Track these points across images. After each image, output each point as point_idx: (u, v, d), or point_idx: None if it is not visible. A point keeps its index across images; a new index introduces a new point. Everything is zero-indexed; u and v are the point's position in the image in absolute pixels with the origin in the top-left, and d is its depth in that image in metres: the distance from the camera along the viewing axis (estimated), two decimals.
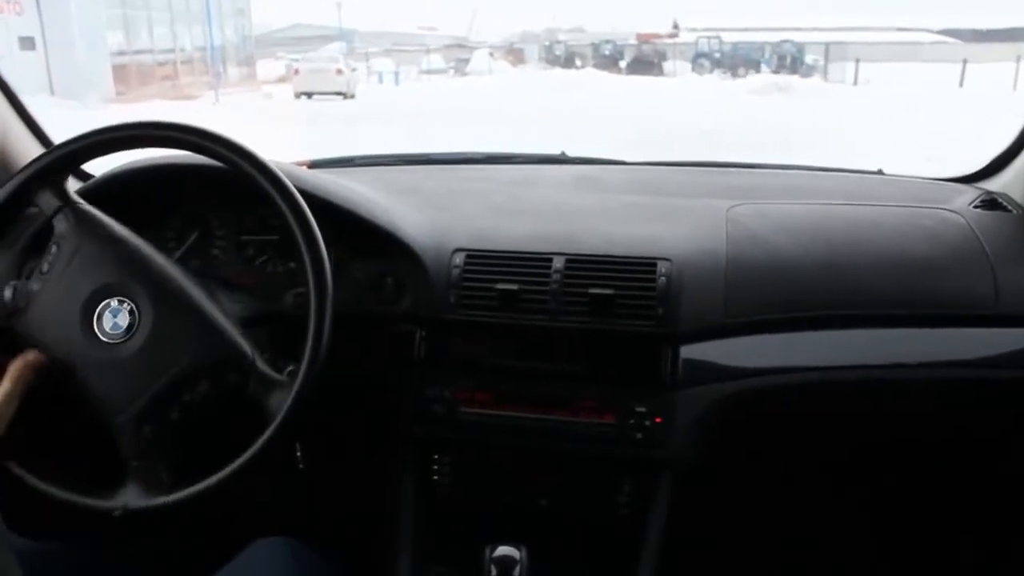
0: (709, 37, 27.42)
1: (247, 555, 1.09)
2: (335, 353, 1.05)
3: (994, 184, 1.58)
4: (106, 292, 1.04)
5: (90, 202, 1.14)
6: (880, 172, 1.72)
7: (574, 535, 1.34)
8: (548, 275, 1.27)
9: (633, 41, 30.41)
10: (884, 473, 1.62)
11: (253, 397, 1.04)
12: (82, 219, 1.08)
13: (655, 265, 1.27)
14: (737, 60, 26.12)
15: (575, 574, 1.31)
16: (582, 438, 1.27)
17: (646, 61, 26.93)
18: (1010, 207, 1.46)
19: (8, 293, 1.07)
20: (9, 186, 1.07)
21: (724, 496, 1.57)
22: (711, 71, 25.66)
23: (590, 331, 1.26)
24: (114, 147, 1.11)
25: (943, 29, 32.82)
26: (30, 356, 1.03)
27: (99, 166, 1.26)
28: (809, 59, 25.59)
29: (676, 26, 34.39)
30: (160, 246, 1.12)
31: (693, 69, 26.15)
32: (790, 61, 25.50)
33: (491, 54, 30.72)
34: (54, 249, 1.07)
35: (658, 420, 1.25)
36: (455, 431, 1.30)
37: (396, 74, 22.14)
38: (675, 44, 30.16)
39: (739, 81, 21.94)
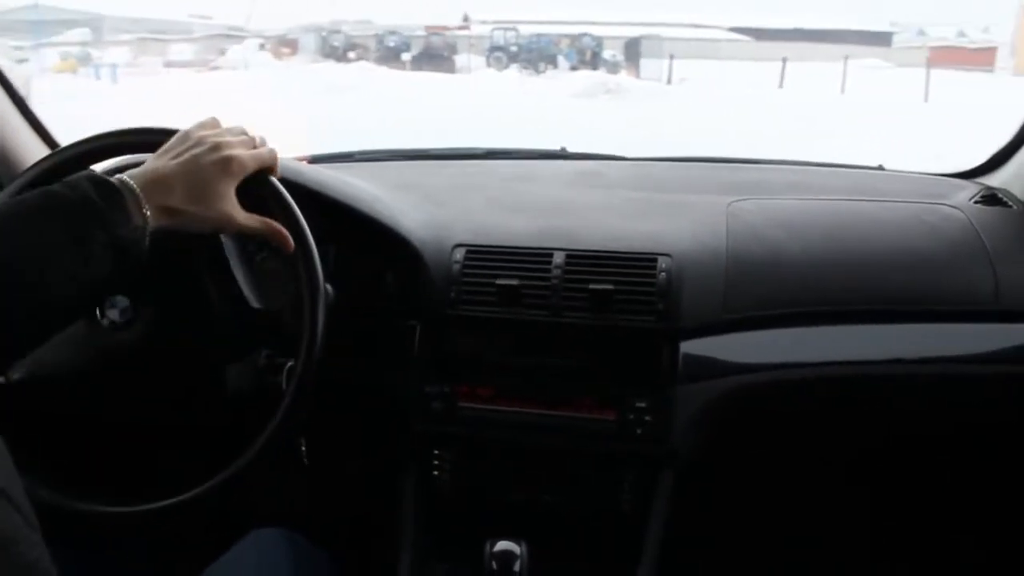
0: (505, 29, 25.38)
1: (244, 544, 1.08)
2: (335, 349, 1.04)
3: (995, 179, 1.59)
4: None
5: None
6: (881, 168, 1.72)
7: (575, 531, 1.33)
8: (548, 271, 1.27)
9: (422, 33, 27.63)
10: (884, 469, 1.62)
11: (255, 390, 1.05)
12: None
13: (655, 261, 1.27)
14: (535, 54, 24.14)
15: (576, 569, 1.30)
16: (582, 434, 1.27)
17: (435, 55, 24.36)
18: (1010, 203, 1.46)
19: None
20: (13, 187, 1.06)
21: (725, 492, 1.58)
22: (507, 66, 23.10)
23: (590, 327, 1.25)
24: (120, 151, 1.11)
25: (733, 27, 33.20)
26: None
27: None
28: (607, 54, 24.11)
29: (467, 18, 32.88)
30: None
31: (489, 64, 23.79)
32: (590, 56, 23.87)
33: (262, 45, 26.65)
34: None
35: (658, 415, 1.24)
36: (455, 427, 1.30)
37: (114, 68, 17.82)
38: (467, 37, 28.07)
39: (545, 79, 19.46)
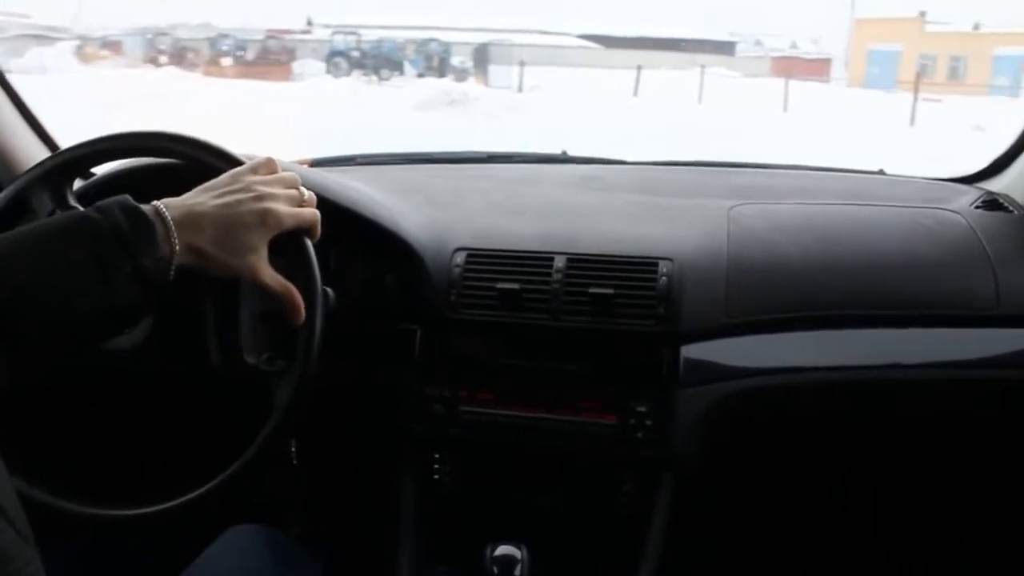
0: (346, 33, 23.76)
1: (223, 542, 1.07)
2: (335, 352, 1.04)
3: (995, 184, 1.59)
4: None
5: (87, 204, 1.11)
6: (882, 172, 1.72)
7: (575, 534, 1.33)
8: (549, 274, 1.27)
9: (259, 37, 25.72)
10: (885, 473, 1.62)
11: (254, 393, 1.04)
12: None
13: (656, 265, 1.27)
14: (379, 60, 22.56)
15: (576, 573, 1.30)
16: (583, 437, 1.27)
17: (270, 59, 22.34)
18: (1011, 207, 1.47)
19: None
20: (10, 190, 1.07)
21: (725, 496, 1.58)
22: (349, 72, 21.59)
23: (591, 331, 1.25)
24: (120, 155, 1.12)
25: (582, 35, 33.06)
26: None
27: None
28: (456, 60, 23.10)
29: (310, 22, 31.05)
30: None
31: (328, 70, 22.07)
32: (437, 62, 22.78)
33: (79, 47, 23.80)
34: None
35: (659, 419, 1.24)
36: (456, 430, 1.30)
37: None
38: (307, 41, 26.03)
39: (388, 87, 18.15)
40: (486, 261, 1.31)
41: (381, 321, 1.31)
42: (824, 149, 8.63)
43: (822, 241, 1.36)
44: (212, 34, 25.83)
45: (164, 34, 25.11)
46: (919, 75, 17.20)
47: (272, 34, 25.68)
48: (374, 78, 20.91)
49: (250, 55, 22.90)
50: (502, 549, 1.17)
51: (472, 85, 18.55)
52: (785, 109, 15.34)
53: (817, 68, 27.71)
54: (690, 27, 35.37)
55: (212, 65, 20.78)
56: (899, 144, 9.83)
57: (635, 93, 17.58)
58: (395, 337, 1.30)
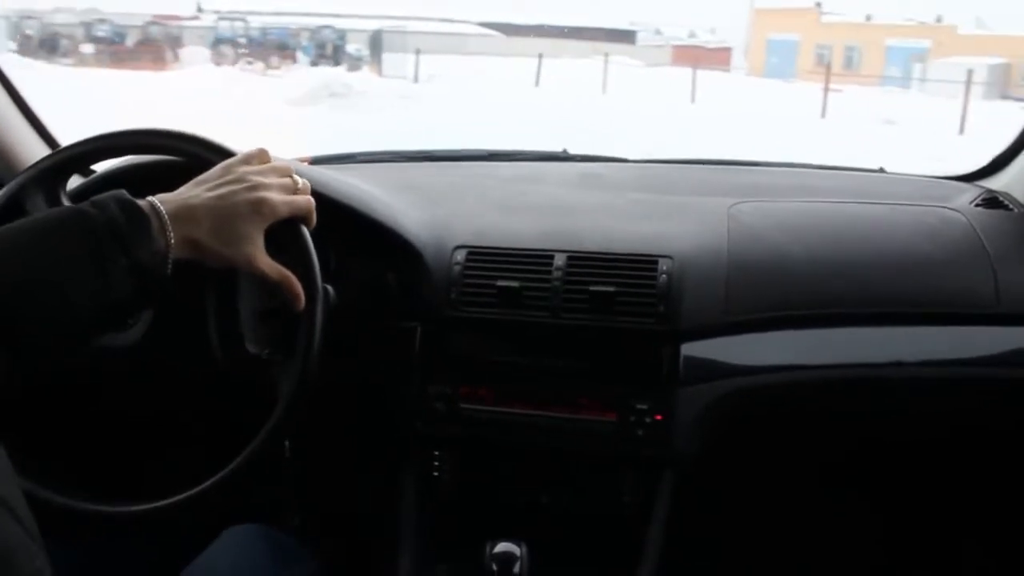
0: (232, 19, 22.22)
1: (223, 541, 1.08)
2: (335, 350, 1.04)
3: (996, 183, 1.59)
4: None
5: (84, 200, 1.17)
6: (882, 170, 1.72)
7: (575, 532, 1.33)
8: (549, 272, 1.27)
9: (139, 23, 23.96)
10: (885, 472, 1.62)
11: (256, 386, 1.04)
12: None
13: (656, 262, 1.27)
14: (268, 48, 21.19)
15: (576, 571, 1.30)
16: (583, 435, 1.27)
17: (151, 47, 20.53)
18: (1011, 206, 1.46)
19: None
20: (9, 188, 1.06)
21: (726, 494, 1.58)
22: (235, 61, 20.30)
23: (591, 328, 1.25)
24: (120, 152, 1.11)
25: (483, 22, 32.66)
26: None
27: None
28: (352, 48, 21.96)
29: (200, 8, 29.34)
30: None
31: (212, 58, 20.58)
32: (331, 50, 21.58)
33: None
34: None
35: (659, 417, 1.24)
36: (456, 428, 1.30)
37: None
38: (194, 28, 24.37)
39: (273, 77, 16.99)
40: (486, 259, 1.30)
41: (381, 319, 1.30)
42: (739, 143, 8.23)
43: (822, 239, 1.36)
44: (91, 19, 23.96)
45: (30, 17, 23.06)
46: (829, 67, 17.13)
47: (156, 20, 23.98)
48: (261, 66, 19.79)
49: (129, 42, 21.03)
50: (502, 546, 1.17)
51: (365, 75, 17.76)
52: (693, 100, 14.98)
53: (718, 57, 27.74)
54: (590, 16, 35.07)
55: (79, 53, 19.15)
56: (815, 137, 9.54)
57: (537, 83, 17.00)
58: (395, 335, 1.30)
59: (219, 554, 1.06)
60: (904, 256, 1.32)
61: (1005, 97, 12.41)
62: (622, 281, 1.25)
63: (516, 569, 1.15)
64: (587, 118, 10.62)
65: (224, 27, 21.94)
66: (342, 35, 22.28)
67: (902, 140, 10.17)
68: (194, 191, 0.91)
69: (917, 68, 23.15)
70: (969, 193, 1.52)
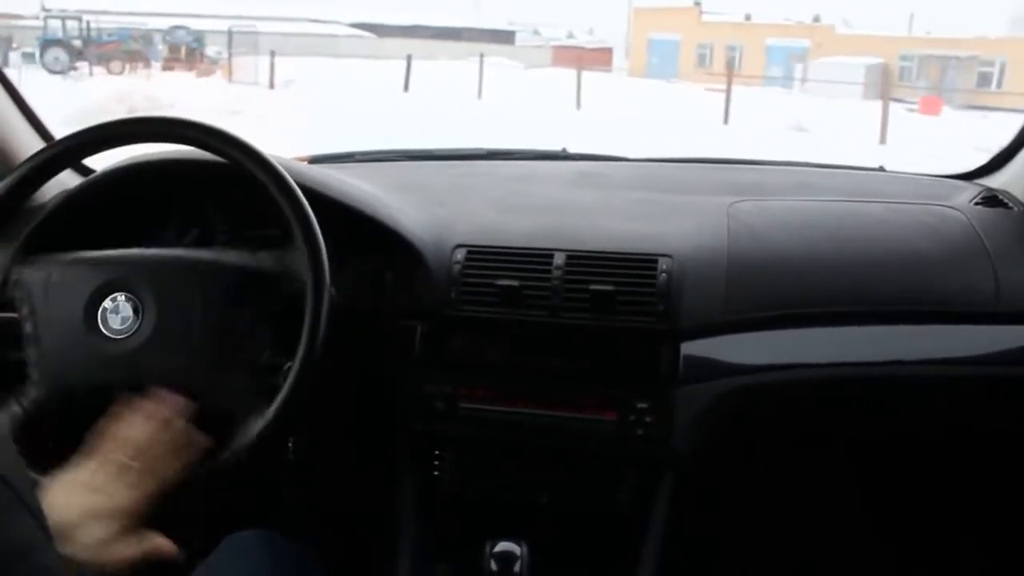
0: (64, 18, 19.40)
1: (224, 550, 1.08)
2: (335, 349, 1.05)
3: (995, 181, 1.58)
4: (108, 288, 1.05)
5: (91, 198, 1.18)
6: (881, 169, 1.71)
7: (575, 531, 1.33)
8: (549, 271, 1.27)
9: None
10: (885, 471, 1.62)
11: (255, 389, 1.04)
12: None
13: (656, 261, 1.27)
14: (107, 49, 18.87)
15: (576, 570, 1.30)
16: (583, 434, 1.27)
17: None
18: (1011, 204, 1.46)
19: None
20: (8, 181, 1.07)
21: (725, 492, 1.57)
22: (70, 66, 18.21)
23: (591, 327, 1.25)
24: (115, 143, 1.11)
25: (354, 23, 31.49)
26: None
27: (97, 161, 1.24)
28: (212, 51, 20.47)
29: (45, 8, 26.29)
30: (161, 241, 1.16)
31: (43, 62, 18.30)
32: (185, 53, 19.91)
33: None
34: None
35: (659, 416, 1.24)
36: (455, 427, 1.30)
37: None
38: (33, 29, 21.69)
39: (104, 81, 14.99)
40: (486, 258, 1.30)
41: (381, 318, 1.30)
42: (620, 141, 7.03)
43: (822, 238, 1.35)
44: None
45: None
46: (730, 68, 16.29)
47: None
48: (102, 71, 17.75)
49: None
50: (502, 546, 1.18)
51: (213, 81, 16.05)
52: (579, 105, 13.73)
53: (600, 58, 26.99)
54: (467, 17, 33.95)
55: None
56: (721, 148, 8.42)
57: (406, 88, 15.46)
58: (395, 334, 1.30)
59: (222, 562, 1.05)
60: (904, 255, 1.32)
61: (882, 98, 11.86)
62: (622, 280, 1.25)
63: (516, 568, 1.17)
64: (461, 127, 9.28)
65: (54, 27, 19.14)
66: (199, 36, 20.59)
67: (819, 150, 8.82)
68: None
69: (798, 68, 22.97)
70: (969, 191, 1.51)
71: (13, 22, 23.42)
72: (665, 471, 1.29)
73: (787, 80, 22.24)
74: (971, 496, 1.61)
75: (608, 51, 29.81)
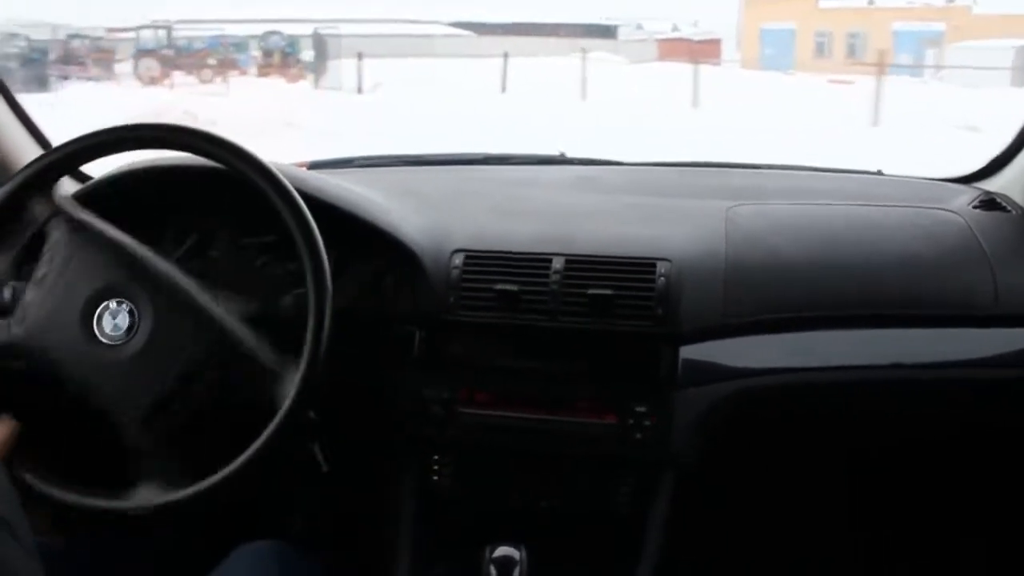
0: (156, 28, 19.31)
1: (232, 561, 1.07)
2: (335, 353, 1.05)
3: (993, 184, 1.58)
4: (104, 294, 1.05)
5: (88, 205, 1.16)
6: (879, 172, 1.71)
7: (574, 535, 1.33)
8: (547, 276, 1.27)
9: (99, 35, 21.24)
10: (884, 474, 1.62)
11: (257, 392, 1.04)
12: (76, 227, 1.09)
13: (654, 265, 1.27)
14: (197, 57, 18.69)
15: (575, 574, 1.30)
16: (582, 438, 1.27)
17: (74, 63, 18.00)
18: (1009, 207, 1.46)
19: (7, 294, 1.09)
20: (5, 189, 1.08)
21: (725, 496, 1.57)
22: (163, 75, 17.97)
23: (590, 331, 1.26)
24: (113, 149, 1.12)
25: (454, 22, 30.41)
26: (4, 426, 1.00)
27: (97, 167, 1.26)
28: (308, 56, 19.58)
29: (153, 21, 26.75)
30: (159, 248, 1.14)
31: (137, 72, 18.20)
32: (280, 58, 19.43)
33: None
34: (48, 255, 1.08)
35: (658, 420, 1.24)
36: (454, 432, 1.30)
37: None
38: (131, 40, 21.88)
39: (208, 94, 14.47)
40: (484, 263, 1.30)
41: (380, 323, 1.31)
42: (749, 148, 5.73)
43: (820, 241, 1.35)
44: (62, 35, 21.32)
45: None
46: (884, 57, 14.33)
47: (76, 33, 21.46)
48: (193, 80, 17.50)
49: (53, 56, 18.75)
50: (501, 550, 1.18)
51: (303, 87, 15.38)
52: (696, 103, 12.18)
53: (708, 50, 25.28)
54: (565, 12, 33.01)
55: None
56: (871, 154, 6.99)
57: (503, 88, 14.35)
58: (394, 339, 1.30)
59: (229, 572, 1.05)
60: (902, 258, 1.32)
61: None
62: (620, 284, 1.25)
63: (516, 573, 1.16)
64: (565, 134, 8.10)
65: (147, 37, 19.22)
66: (292, 41, 20.00)
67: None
68: None
69: (930, 54, 20.96)
70: (967, 195, 1.51)
71: (118, 35, 23.55)
72: (664, 474, 1.28)
73: (916, 69, 20.30)
74: (972, 497, 1.60)
75: (716, 43, 28.17)
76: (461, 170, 1.78)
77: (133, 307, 1.05)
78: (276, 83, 16.52)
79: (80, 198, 1.19)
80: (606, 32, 29.97)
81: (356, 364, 1.27)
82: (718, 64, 24.39)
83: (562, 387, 1.27)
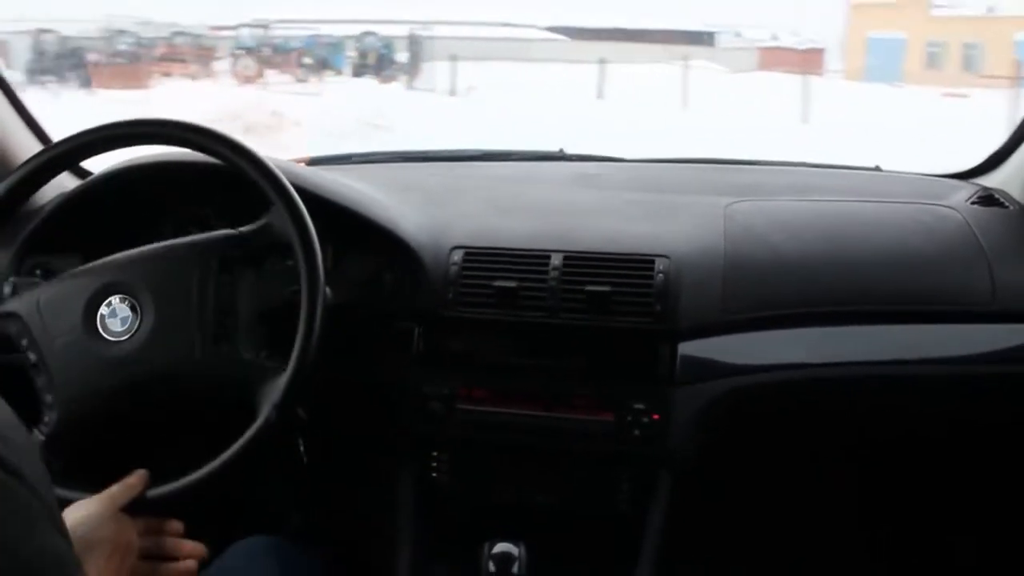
0: (252, 27, 20.07)
1: (229, 556, 1.07)
2: (333, 350, 1.05)
3: (991, 180, 1.57)
4: (108, 291, 1.05)
5: (88, 200, 1.20)
6: (878, 168, 1.69)
7: (573, 532, 1.33)
8: (546, 272, 1.27)
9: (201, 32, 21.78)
10: (882, 470, 1.61)
11: (250, 388, 1.04)
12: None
13: (653, 262, 1.27)
14: (293, 57, 19.03)
15: (574, 571, 1.31)
16: (580, 435, 1.27)
17: (177, 58, 18.42)
18: (1007, 203, 1.45)
19: (7, 289, 1.10)
20: (6, 183, 1.07)
21: (723, 492, 1.57)
22: (258, 74, 18.21)
23: (588, 328, 1.25)
24: (113, 144, 1.11)
25: (550, 26, 30.41)
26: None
27: (96, 163, 1.26)
28: (403, 57, 19.94)
29: (255, 19, 27.26)
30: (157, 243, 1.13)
31: (234, 70, 18.38)
32: (375, 59, 19.62)
33: None
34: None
35: (656, 417, 1.24)
36: (453, 428, 1.30)
37: None
38: (226, 39, 22.35)
39: (302, 93, 14.47)
40: (483, 259, 1.30)
41: (379, 320, 1.30)
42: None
43: (818, 238, 1.35)
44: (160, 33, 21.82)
45: (47, 31, 20.99)
46: (1020, 66, 13.45)
47: (180, 31, 21.91)
48: (289, 79, 17.69)
49: (153, 55, 19.11)
50: (500, 547, 1.18)
51: (393, 88, 15.41)
52: (805, 118, 11.57)
53: (810, 60, 24.36)
54: (659, 18, 32.38)
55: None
56: None
57: (599, 94, 13.97)
58: (393, 336, 1.30)
59: (228, 568, 1.05)
60: (900, 254, 1.32)
61: None
62: (619, 281, 1.25)
63: (515, 569, 1.17)
64: (665, 143, 7.66)
65: (245, 35, 19.78)
66: (389, 43, 20.29)
67: None
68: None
69: None
70: (965, 191, 1.50)
71: (218, 33, 24.04)
72: (662, 471, 1.28)
73: None
74: (969, 495, 1.60)
75: (819, 52, 27.12)
76: (460, 166, 1.78)
77: (135, 302, 1.05)
78: (369, 84, 16.51)
79: (80, 193, 1.22)
80: (704, 39, 29.22)
81: (355, 360, 1.28)
82: (820, 75, 23.53)
83: (560, 383, 1.26)
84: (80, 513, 0.91)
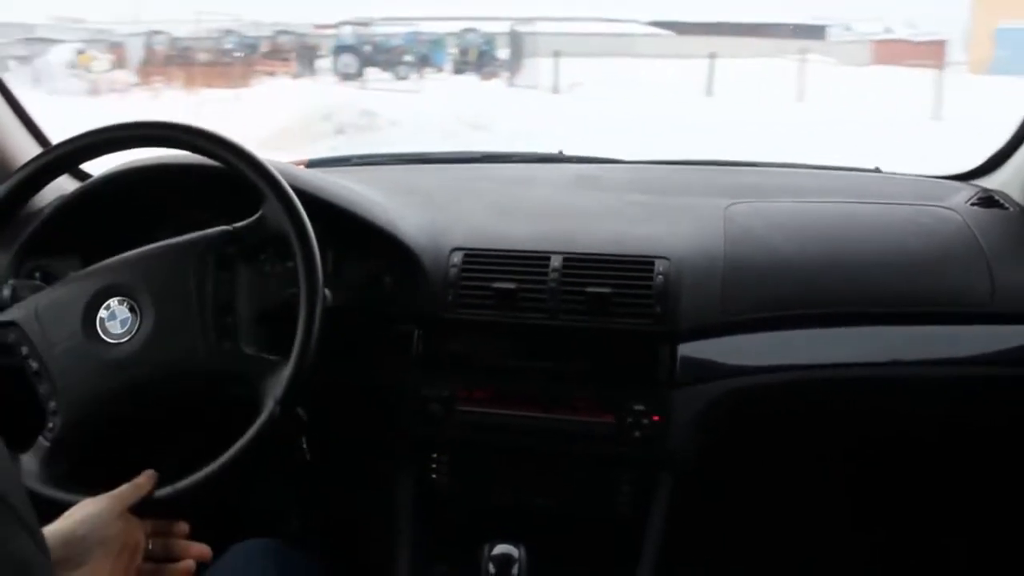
0: (355, 24, 19.63)
1: (228, 559, 1.08)
2: (333, 352, 1.05)
3: (991, 181, 1.58)
4: (106, 293, 1.05)
5: (87, 203, 1.20)
6: (877, 170, 1.70)
7: (573, 534, 1.33)
8: (546, 274, 1.27)
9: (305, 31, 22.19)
10: (881, 471, 1.62)
11: (254, 383, 1.04)
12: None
13: (652, 264, 1.27)
14: (393, 54, 18.58)
15: (574, 573, 1.30)
16: (580, 437, 1.27)
17: (280, 56, 18.44)
18: (1007, 204, 1.46)
19: (7, 292, 1.10)
20: (6, 185, 1.08)
21: (723, 494, 1.57)
22: (359, 71, 18.21)
23: (588, 330, 1.26)
24: (113, 147, 1.12)
25: (653, 21, 29.58)
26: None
27: (96, 166, 1.26)
28: (504, 54, 19.29)
29: (363, 19, 27.68)
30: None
31: (336, 68, 18.34)
32: (476, 56, 19.07)
33: (81, 52, 20.79)
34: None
35: (656, 418, 1.24)
36: (453, 430, 1.30)
37: None
38: (328, 37, 22.67)
39: (400, 91, 14.30)
40: (483, 261, 1.30)
41: (378, 322, 1.31)
42: None
43: (818, 239, 1.35)
44: (264, 33, 22.29)
45: (159, 32, 21.64)
46: None
47: (285, 29, 22.25)
48: (388, 76, 17.58)
49: (264, 50, 19.47)
50: (499, 548, 1.18)
51: (496, 85, 15.08)
52: (938, 116, 10.66)
53: (929, 52, 23.08)
54: (767, 11, 31.43)
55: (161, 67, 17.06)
56: None
57: (708, 91, 13.36)
58: (393, 338, 1.30)
59: (226, 570, 1.05)
60: (900, 255, 1.32)
61: None
62: (619, 282, 1.25)
63: (514, 571, 1.17)
64: (782, 144, 7.15)
65: (346, 33, 19.34)
66: (490, 39, 19.77)
67: None
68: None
69: None
70: (965, 192, 1.50)
71: (322, 31, 24.34)
72: (662, 473, 1.28)
73: None
74: (968, 496, 1.59)
75: (940, 45, 25.72)
76: (460, 168, 1.78)
77: (135, 304, 1.05)
78: (470, 81, 16.34)
79: (79, 196, 1.22)
80: (815, 33, 28.16)
81: (354, 363, 1.28)
82: (940, 68, 22.30)
83: (560, 385, 1.26)
84: (89, 511, 0.91)
